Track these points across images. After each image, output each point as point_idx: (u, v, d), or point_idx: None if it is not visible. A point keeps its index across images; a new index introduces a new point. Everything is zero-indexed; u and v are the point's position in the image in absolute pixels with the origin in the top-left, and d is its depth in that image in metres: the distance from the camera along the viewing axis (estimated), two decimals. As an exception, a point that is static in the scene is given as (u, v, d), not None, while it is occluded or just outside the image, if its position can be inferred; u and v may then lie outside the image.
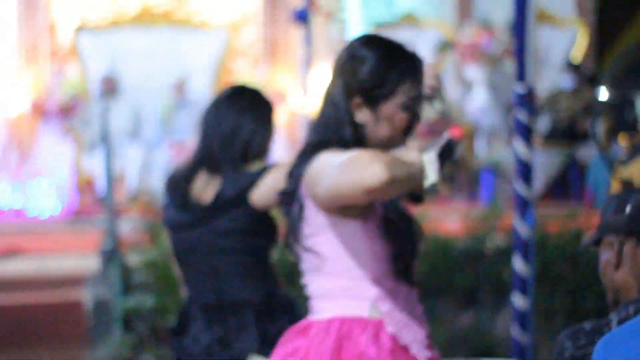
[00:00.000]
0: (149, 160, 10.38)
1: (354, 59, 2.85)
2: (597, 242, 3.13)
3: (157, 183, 9.80)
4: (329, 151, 2.74)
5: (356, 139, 2.80)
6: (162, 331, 6.45)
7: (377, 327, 2.78)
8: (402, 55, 2.87)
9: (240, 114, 3.81)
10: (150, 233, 6.73)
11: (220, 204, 3.71)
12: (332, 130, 2.81)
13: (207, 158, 3.78)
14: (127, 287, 6.53)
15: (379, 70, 2.82)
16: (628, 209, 3.06)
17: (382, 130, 2.83)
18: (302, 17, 9.49)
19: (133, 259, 6.69)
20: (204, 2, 11.74)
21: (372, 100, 2.82)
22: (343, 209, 2.75)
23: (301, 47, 9.62)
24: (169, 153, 10.37)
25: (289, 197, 2.84)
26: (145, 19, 11.58)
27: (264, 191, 3.64)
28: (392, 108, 2.83)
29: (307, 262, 2.85)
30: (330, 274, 2.79)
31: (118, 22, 11.55)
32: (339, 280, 2.80)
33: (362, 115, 2.82)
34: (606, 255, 3.14)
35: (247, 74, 11.53)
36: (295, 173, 2.82)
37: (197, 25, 11.61)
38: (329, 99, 2.86)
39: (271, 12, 12.00)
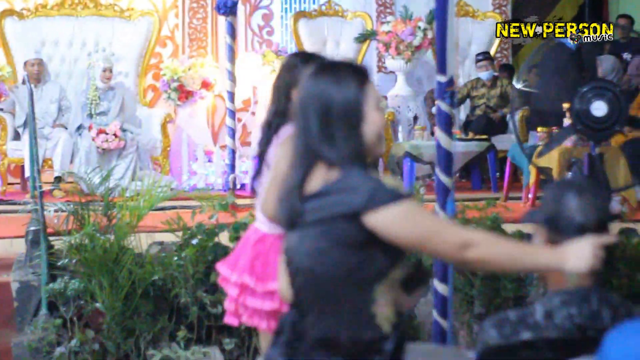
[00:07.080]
0: (74, 145, 10.36)
1: None
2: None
3: (81, 167, 9.81)
4: None
5: None
6: (88, 315, 6.45)
7: None
8: None
9: None
10: (76, 216, 6.70)
11: None
12: None
13: None
14: (53, 270, 6.50)
15: None
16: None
17: None
18: (225, 6, 9.54)
19: (59, 242, 6.66)
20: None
21: None
22: None
23: (225, 35, 9.67)
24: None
25: None
26: (71, 5, 11.53)
27: None
28: None
29: None
30: None
31: (44, 9, 11.48)
32: None
33: None
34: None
35: (171, 61, 11.54)
36: None
37: (123, 13, 11.59)
38: None
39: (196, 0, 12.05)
